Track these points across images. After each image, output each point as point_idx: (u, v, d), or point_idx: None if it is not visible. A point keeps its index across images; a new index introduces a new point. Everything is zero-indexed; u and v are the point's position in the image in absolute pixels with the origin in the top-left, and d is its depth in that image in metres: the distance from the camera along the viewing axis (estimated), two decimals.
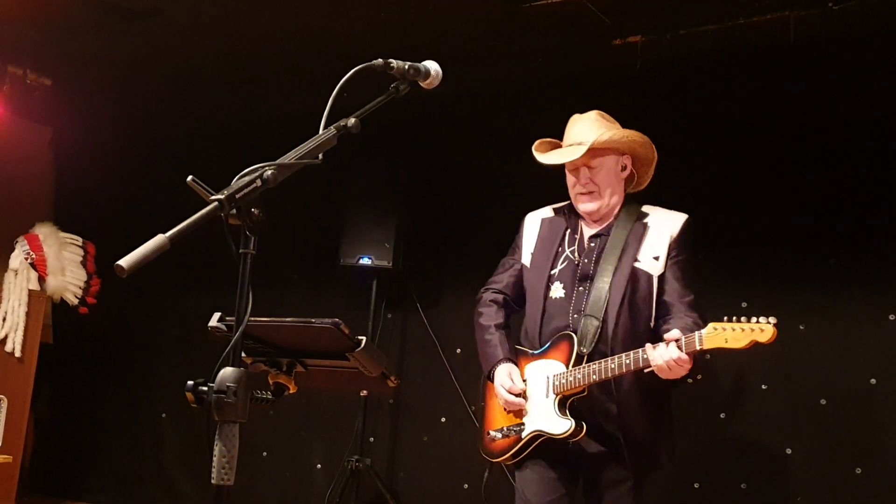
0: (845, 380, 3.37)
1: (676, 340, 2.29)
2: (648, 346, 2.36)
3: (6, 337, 4.68)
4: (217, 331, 1.60)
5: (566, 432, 2.46)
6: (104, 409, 5.49)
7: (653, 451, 2.56)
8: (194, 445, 4.99)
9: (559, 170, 2.70)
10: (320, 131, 1.69)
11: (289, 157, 1.58)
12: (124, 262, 1.29)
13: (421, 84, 2.04)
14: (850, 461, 3.31)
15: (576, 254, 2.67)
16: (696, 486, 3.60)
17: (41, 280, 4.89)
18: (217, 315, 1.60)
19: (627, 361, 2.38)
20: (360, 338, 1.59)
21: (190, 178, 1.42)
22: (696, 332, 2.27)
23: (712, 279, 3.67)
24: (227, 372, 1.42)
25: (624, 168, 2.69)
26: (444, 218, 4.53)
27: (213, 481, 1.42)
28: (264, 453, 4.85)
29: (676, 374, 2.31)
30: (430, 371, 4.40)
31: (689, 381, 2.37)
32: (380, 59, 1.92)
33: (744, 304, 3.62)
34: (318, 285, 4.82)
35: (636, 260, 2.55)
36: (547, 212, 2.81)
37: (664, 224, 2.61)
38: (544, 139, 2.75)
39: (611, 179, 2.65)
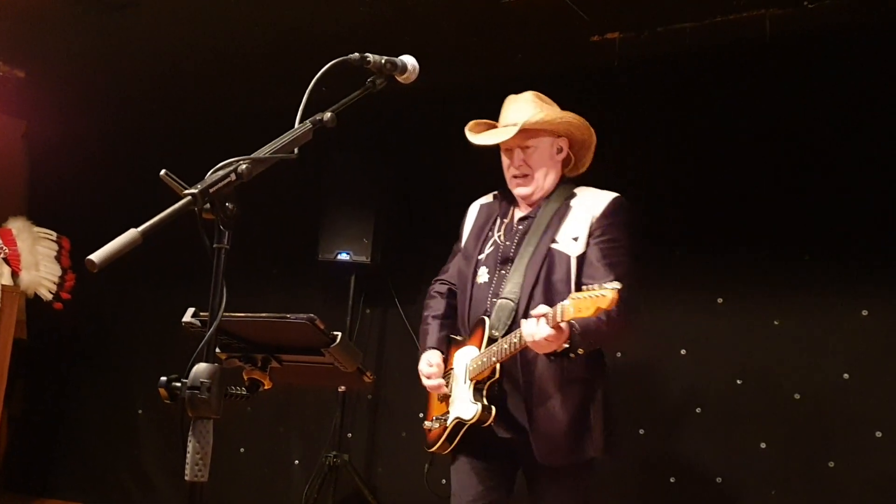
0: (819, 375, 3.41)
1: (543, 315, 2.21)
2: (522, 321, 2.29)
3: None
4: (191, 326, 1.59)
5: (473, 417, 2.41)
6: (79, 405, 5.44)
7: (571, 442, 2.43)
8: (171, 442, 4.95)
9: None
10: (296, 125, 1.68)
11: (263, 152, 1.58)
12: (95, 256, 1.28)
13: (398, 79, 2.04)
14: (824, 455, 3.35)
15: (502, 237, 2.63)
16: (671, 480, 3.63)
17: (14, 275, 4.83)
18: (191, 310, 1.59)
19: (515, 340, 2.33)
20: (334, 333, 1.59)
21: (163, 172, 1.41)
22: (558, 305, 2.17)
23: (688, 275, 3.73)
24: (200, 368, 1.41)
25: (560, 150, 2.63)
26: (422, 213, 4.53)
27: (186, 478, 1.41)
28: (241, 449, 4.83)
29: (549, 348, 2.25)
30: (408, 367, 4.36)
31: (572, 355, 2.30)
32: (356, 54, 1.91)
33: (719, 300, 3.66)
34: (297, 281, 4.80)
35: (553, 241, 2.49)
36: (487, 198, 2.79)
37: (588, 204, 2.53)
38: (480, 120, 2.70)
39: (545, 161, 2.59)
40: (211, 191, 1.41)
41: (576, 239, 2.47)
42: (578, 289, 2.39)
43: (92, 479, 5.30)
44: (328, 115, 1.73)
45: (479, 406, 2.41)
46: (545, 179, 2.59)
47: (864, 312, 3.37)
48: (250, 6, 3.76)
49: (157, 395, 1.44)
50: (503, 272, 2.56)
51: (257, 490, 4.75)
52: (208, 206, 1.42)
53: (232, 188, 1.45)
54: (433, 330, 2.72)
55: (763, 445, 3.48)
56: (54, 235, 5.08)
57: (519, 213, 2.65)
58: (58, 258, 5.03)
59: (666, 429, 3.68)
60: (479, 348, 2.49)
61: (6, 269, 4.80)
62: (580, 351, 2.31)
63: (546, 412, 2.42)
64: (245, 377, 1.66)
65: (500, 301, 2.49)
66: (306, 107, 1.72)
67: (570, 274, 2.45)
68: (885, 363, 3.30)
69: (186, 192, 1.40)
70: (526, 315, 2.34)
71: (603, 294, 2.06)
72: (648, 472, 3.68)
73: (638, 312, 2.43)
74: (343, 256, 4.33)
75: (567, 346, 2.28)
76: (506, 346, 2.36)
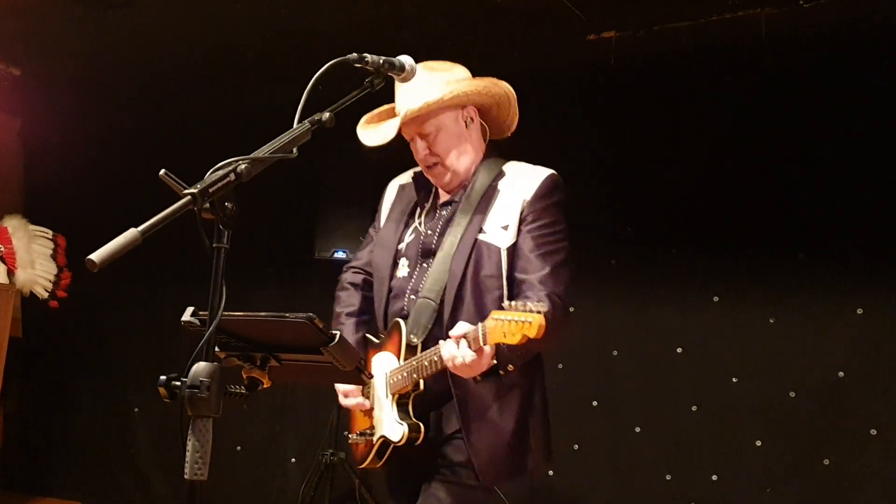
0: (814, 373, 3.42)
1: (463, 337, 1.96)
2: (441, 342, 2.04)
3: None
4: (190, 325, 1.59)
5: (401, 439, 2.14)
6: (75, 403, 5.44)
7: (514, 455, 2.18)
8: (167, 440, 4.95)
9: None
10: (295, 125, 1.69)
11: (262, 151, 1.58)
12: (95, 256, 1.28)
13: (396, 78, 2.04)
14: (819, 453, 3.36)
15: (423, 226, 2.33)
16: (667, 477, 3.64)
17: (10, 273, 4.83)
18: (190, 309, 1.59)
19: (435, 359, 2.06)
20: (333, 332, 1.59)
21: (163, 171, 1.41)
22: (479, 326, 1.92)
23: (683, 274, 3.74)
24: (200, 367, 1.41)
25: (470, 121, 2.31)
26: None
27: (186, 476, 1.41)
28: (238, 447, 4.83)
29: (473, 372, 1.99)
30: None
31: (502, 372, 2.03)
32: (354, 54, 1.92)
33: (715, 299, 3.67)
34: (294, 279, 4.80)
35: (481, 231, 2.19)
36: (406, 176, 2.48)
37: (518, 185, 2.23)
38: (375, 111, 2.38)
39: (453, 142, 2.27)
40: (210, 190, 1.42)
41: (505, 227, 2.18)
42: (510, 284, 2.17)
43: (88, 478, 5.30)
44: (327, 115, 1.73)
45: (405, 427, 2.14)
46: (459, 162, 2.29)
47: (860, 311, 3.38)
48: (247, 5, 3.76)
49: (153, 393, 1.44)
50: (425, 265, 2.27)
51: (254, 488, 4.75)
52: (208, 205, 1.42)
53: (231, 188, 1.45)
54: (348, 332, 2.40)
55: (758, 443, 3.49)
56: (50, 234, 5.07)
57: (443, 197, 2.36)
58: (53, 256, 5.02)
59: (662, 426, 3.69)
60: (398, 356, 2.22)
61: (2, 268, 4.79)
62: (511, 368, 2.03)
63: (486, 424, 2.15)
64: (244, 376, 1.66)
65: (420, 300, 2.21)
66: (304, 106, 1.72)
67: (500, 268, 2.16)
68: (880, 361, 3.32)
69: (186, 191, 1.40)
70: (452, 318, 2.12)
71: (529, 321, 1.81)
72: (644, 470, 3.69)
73: (570, 310, 2.18)
74: (340, 254, 4.34)
75: (495, 362, 2.01)
76: (426, 363, 2.10)
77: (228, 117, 4.98)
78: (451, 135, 2.28)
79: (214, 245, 1.46)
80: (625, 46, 3.79)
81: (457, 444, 2.18)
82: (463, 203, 2.26)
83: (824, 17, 3.41)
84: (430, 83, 2.24)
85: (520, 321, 1.82)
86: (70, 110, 5.32)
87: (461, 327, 2.00)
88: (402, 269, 2.32)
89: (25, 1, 3.92)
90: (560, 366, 3.84)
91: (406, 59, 2.02)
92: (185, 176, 1.45)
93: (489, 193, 2.24)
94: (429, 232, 2.31)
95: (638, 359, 3.78)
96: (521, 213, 2.18)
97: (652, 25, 3.68)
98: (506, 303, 1.89)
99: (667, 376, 3.73)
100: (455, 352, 1.96)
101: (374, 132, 2.31)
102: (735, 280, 3.62)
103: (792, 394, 3.46)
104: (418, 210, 2.39)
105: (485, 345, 1.91)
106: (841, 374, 3.38)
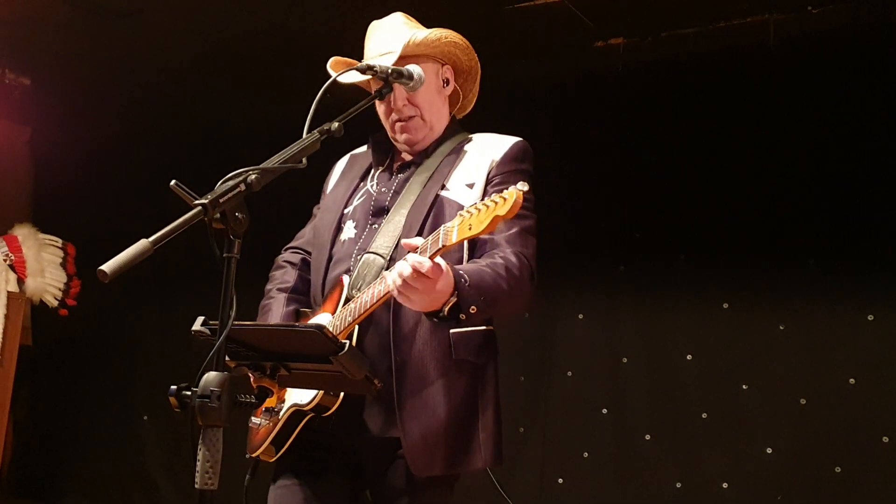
0: (825, 379, 3.40)
1: (416, 246, 1.69)
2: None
3: None
4: (200, 335, 1.60)
5: (311, 402, 1.81)
6: (84, 411, 5.44)
7: (454, 444, 1.88)
8: (176, 448, 4.95)
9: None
10: (304, 135, 1.69)
11: (272, 162, 1.59)
12: (107, 267, 1.29)
13: (404, 88, 2.05)
14: (830, 460, 3.34)
15: (375, 186, 2.10)
16: (678, 485, 3.62)
17: (20, 282, 4.85)
18: (201, 319, 1.59)
19: (379, 288, 1.76)
20: (343, 342, 1.59)
21: (173, 182, 1.41)
22: (441, 227, 1.65)
23: (693, 280, 3.72)
24: (210, 376, 1.41)
25: (446, 83, 2.14)
26: None
27: (196, 486, 1.42)
28: (247, 456, 4.83)
29: (426, 300, 1.68)
30: None
31: (462, 316, 1.73)
32: (363, 63, 1.93)
33: (725, 305, 3.65)
34: None
35: (443, 188, 1.98)
36: (361, 148, 2.27)
37: (487, 146, 2.06)
38: (343, 58, 2.15)
39: (434, 98, 2.10)
40: (221, 201, 1.42)
41: (471, 186, 1.98)
42: (472, 250, 1.94)
43: (97, 486, 5.31)
44: (336, 124, 1.74)
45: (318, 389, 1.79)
46: (437, 119, 2.11)
47: (870, 317, 3.36)
48: (252, 13, 3.78)
49: (162, 401, 1.44)
50: (374, 226, 2.01)
51: (262, 496, 4.74)
52: (218, 216, 1.42)
53: (242, 198, 1.46)
54: (278, 304, 2.09)
55: (769, 451, 3.47)
56: (59, 242, 5.09)
57: (400, 161, 2.14)
58: (63, 265, 5.04)
59: (672, 434, 3.67)
60: (333, 314, 1.91)
61: (12, 276, 4.81)
62: (473, 310, 1.72)
63: (422, 403, 1.85)
64: (254, 385, 1.67)
65: (365, 256, 1.93)
66: (314, 115, 1.73)
67: None
68: (892, 368, 3.30)
69: (197, 202, 1.41)
70: None
71: (503, 198, 1.55)
72: (654, 478, 3.68)
73: (534, 278, 1.94)
74: None
75: (454, 300, 1.71)
76: (366, 298, 1.79)
77: (237, 126, 4.99)
78: (432, 88, 2.10)
79: (225, 255, 1.46)
80: (633, 53, 3.79)
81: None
82: (424, 164, 2.05)
83: (833, 22, 3.40)
84: (416, 28, 2.13)
85: (490, 204, 1.57)
86: (79, 119, 5.34)
87: (416, 239, 1.72)
88: (348, 232, 2.06)
89: (34, 11, 3.94)
90: (569, 373, 3.84)
91: (413, 68, 2.03)
92: (194, 184, 1.45)
93: (454, 154, 2.06)
94: (383, 190, 2.08)
95: (647, 366, 3.76)
96: (489, 174, 1.99)
97: (660, 32, 3.68)
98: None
99: (676, 383, 3.71)
100: (404, 266, 1.64)
101: (354, 72, 2.01)
102: (745, 286, 3.60)
103: (803, 401, 3.44)
104: (372, 172, 2.16)
105: (444, 246, 1.62)
106: (852, 380, 3.36)
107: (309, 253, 2.20)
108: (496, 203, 1.56)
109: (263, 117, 4.72)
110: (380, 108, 2.12)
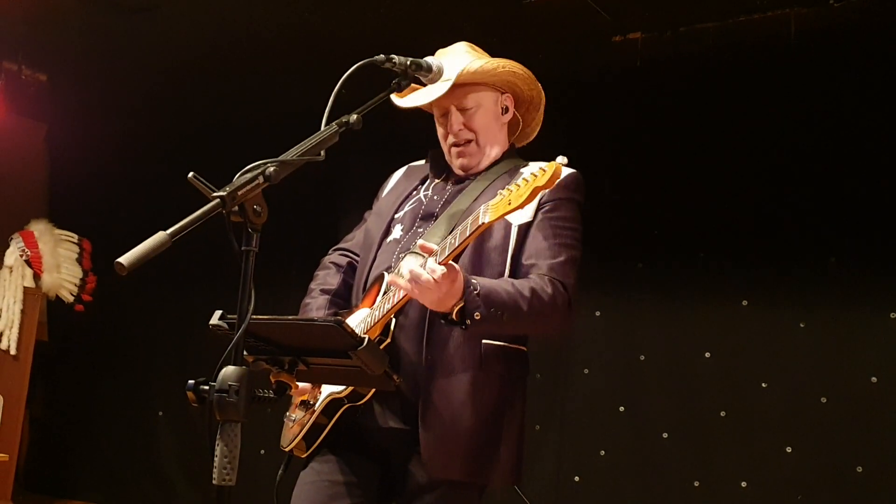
0: (846, 378, 3.37)
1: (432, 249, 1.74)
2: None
3: (1, 334, 4.66)
4: (218, 329, 1.58)
5: (346, 389, 1.88)
6: (100, 407, 5.47)
7: (474, 452, 1.90)
8: (191, 444, 4.96)
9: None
10: (322, 128, 1.67)
11: (291, 154, 1.57)
12: (124, 259, 1.27)
13: (422, 80, 2.02)
14: (851, 459, 3.30)
15: (429, 194, 2.15)
16: (696, 484, 3.60)
17: (36, 277, 4.87)
18: (218, 313, 1.57)
19: (401, 282, 1.79)
20: (362, 336, 1.57)
21: (191, 174, 1.39)
22: (480, 207, 1.71)
23: (712, 278, 3.69)
24: (228, 371, 1.40)
25: (505, 110, 2.16)
26: None
27: (214, 482, 1.40)
28: (262, 451, 4.83)
29: (436, 295, 1.71)
30: None
31: (468, 321, 1.76)
32: (381, 55, 1.91)
33: (744, 303, 3.62)
34: None
35: None
36: (420, 161, 2.32)
37: None
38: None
39: (490, 124, 2.11)
40: (239, 193, 1.40)
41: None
42: (515, 264, 1.95)
43: (112, 481, 5.32)
44: (354, 116, 1.72)
45: None
46: (493, 145, 2.13)
47: (892, 315, 3.32)
48: (268, 9, 3.77)
49: (178, 397, 1.43)
50: (420, 230, 2.04)
51: (279, 491, 4.74)
52: (236, 208, 1.41)
53: (260, 191, 1.44)
54: (318, 305, 2.14)
55: (789, 450, 3.43)
56: (75, 238, 5.11)
57: (456, 177, 2.17)
58: (79, 260, 5.06)
59: (690, 432, 3.64)
60: (371, 307, 1.97)
61: (28, 272, 4.83)
62: (477, 316, 1.74)
63: (446, 405, 1.88)
64: (272, 380, 1.65)
65: (408, 255, 1.95)
66: (332, 109, 1.71)
67: (507, 243, 1.97)
68: None
69: (215, 194, 1.38)
70: None
71: (543, 169, 1.57)
72: (672, 476, 3.65)
73: (572, 309, 1.95)
74: None
75: (462, 304, 1.75)
76: (391, 294, 1.86)
77: (253, 120, 4.98)
78: (490, 116, 2.12)
79: (243, 248, 1.44)
80: (651, 48, 3.75)
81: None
82: (478, 180, 2.08)
83: (855, 15, 3.36)
84: (479, 57, 2.14)
85: (529, 178, 1.59)
86: (95, 115, 5.36)
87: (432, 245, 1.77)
88: (395, 234, 2.09)
89: (50, 7, 3.95)
90: (586, 371, 3.81)
91: (433, 60, 2.01)
92: (209, 179, 1.44)
93: (508, 175, 2.05)
94: (434, 198, 2.11)
95: (665, 364, 3.73)
96: (541, 198, 1.96)
97: (679, 26, 3.64)
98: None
99: (695, 381, 3.68)
100: (414, 264, 1.71)
101: (414, 97, 2.09)
102: (764, 284, 3.57)
103: (823, 399, 3.40)
104: (427, 182, 2.19)
105: (472, 233, 1.69)
106: (874, 379, 3.32)
107: (356, 256, 2.25)
108: (535, 176, 1.60)
109: (280, 111, 4.71)
110: (439, 130, 2.18)
